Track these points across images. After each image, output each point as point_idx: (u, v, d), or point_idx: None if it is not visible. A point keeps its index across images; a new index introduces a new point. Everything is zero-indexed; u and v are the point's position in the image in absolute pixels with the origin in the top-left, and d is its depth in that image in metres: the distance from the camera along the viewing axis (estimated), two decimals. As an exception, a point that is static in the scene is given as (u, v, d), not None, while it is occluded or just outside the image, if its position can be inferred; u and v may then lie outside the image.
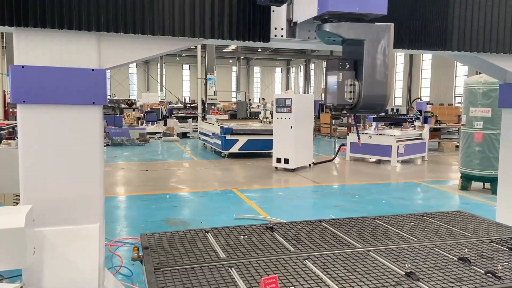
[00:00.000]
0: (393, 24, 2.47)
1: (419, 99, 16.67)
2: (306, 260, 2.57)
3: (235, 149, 11.72)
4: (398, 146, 10.86)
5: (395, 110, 29.76)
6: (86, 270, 2.24)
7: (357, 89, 2.49)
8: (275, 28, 2.65)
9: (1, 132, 12.76)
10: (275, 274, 2.32)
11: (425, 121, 12.04)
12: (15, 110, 15.98)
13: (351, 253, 2.70)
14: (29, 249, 1.97)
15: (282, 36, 2.68)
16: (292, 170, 9.69)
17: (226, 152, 11.72)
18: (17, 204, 4.31)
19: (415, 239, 2.99)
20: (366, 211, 6.30)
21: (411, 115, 12.82)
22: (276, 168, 9.88)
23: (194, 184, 8.31)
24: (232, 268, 2.42)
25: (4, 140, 4.68)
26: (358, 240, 2.98)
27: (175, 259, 2.56)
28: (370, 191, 7.85)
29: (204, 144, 14.15)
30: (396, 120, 14.32)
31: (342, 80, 2.49)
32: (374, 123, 13.01)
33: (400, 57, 32.64)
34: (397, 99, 33.27)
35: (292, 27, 2.70)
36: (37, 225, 2.16)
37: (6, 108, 18.26)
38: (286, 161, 9.65)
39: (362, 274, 2.36)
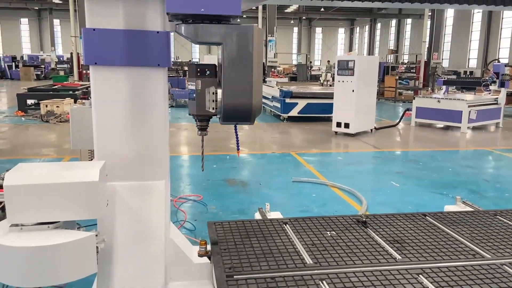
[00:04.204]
0: (256, 24, 2.12)
1: (496, 61, 15.30)
2: (420, 276, 2.06)
3: (294, 112, 11.63)
4: (469, 111, 10.16)
5: (468, 73, 27.66)
6: (153, 223, 2.39)
7: (219, 97, 2.20)
8: None
9: (76, 92, 13.67)
10: None
11: (502, 84, 11.10)
12: (88, 71, 16.95)
13: (479, 267, 2.14)
14: (102, 201, 2.14)
15: None
16: (352, 135, 9.47)
17: (285, 116, 11.68)
18: (91, 159, 4.67)
19: None
20: (430, 179, 6.05)
21: (487, 78, 11.84)
22: (336, 132, 9.71)
23: (252, 146, 8.44)
24: (324, 282, 1.98)
25: (79, 100, 5.01)
26: (483, 246, 2.41)
27: (250, 263, 2.18)
28: (435, 158, 7.50)
29: (263, 107, 14.19)
30: (469, 84, 13.34)
31: (202, 89, 2.21)
32: (444, 87, 12.21)
33: (477, 14, 29.85)
34: (472, 60, 30.78)
35: None
36: (109, 180, 2.33)
37: (80, 70, 19.43)
38: (347, 125, 9.44)
39: None
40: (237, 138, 2.58)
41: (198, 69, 2.22)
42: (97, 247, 2.05)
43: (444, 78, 16.34)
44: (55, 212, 1.98)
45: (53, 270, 1.92)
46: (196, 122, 2.35)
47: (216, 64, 2.28)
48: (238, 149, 2.64)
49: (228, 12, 2.07)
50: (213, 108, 2.24)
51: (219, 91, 2.20)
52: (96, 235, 2.06)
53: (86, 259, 2.00)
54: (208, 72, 2.23)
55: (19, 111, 11.93)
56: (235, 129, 2.54)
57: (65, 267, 1.94)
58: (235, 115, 2.22)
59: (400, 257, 2.27)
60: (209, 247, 2.42)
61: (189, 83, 2.27)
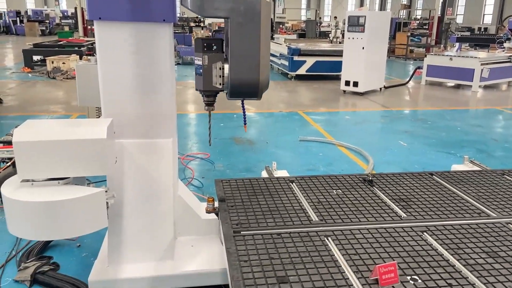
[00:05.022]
0: None
1: (513, 17, 14.72)
2: (425, 233, 2.06)
3: (302, 70, 11.45)
4: (482, 69, 9.92)
5: (482, 30, 26.76)
6: (162, 180, 2.42)
7: (226, 73, 2.17)
8: None
9: (82, 48, 13.51)
10: (386, 251, 1.89)
11: (517, 42, 10.77)
12: (93, 27, 16.62)
13: (484, 226, 2.13)
14: (110, 158, 2.16)
15: None
16: (361, 94, 9.35)
17: (293, 74, 11.51)
18: (99, 117, 4.67)
19: None
20: (438, 138, 6.02)
21: (501, 35, 11.47)
22: (344, 91, 9.59)
23: (259, 105, 8.38)
24: (329, 238, 2.00)
25: (84, 56, 4.94)
26: (489, 205, 2.39)
27: (257, 219, 2.19)
28: (444, 117, 7.42)
29: (270, 64, 13.97)
30: (483, 41, 12.95)
31: (209, 64, 2.18)
32: (457, 44, 11.88)
33: (497, -33, 28.46)
34: (486, 16, 29.69)
35: None
36: (117, 137, 2.34)
37: (85, 25, 19.05)
38: (355, 84, 9.30)
39: (508, 261, 1.80)
40: (244, 113, 2.57)
41: (205, 44, 2.20)
42: (107, 203, 2.10)
43: (458, 34, 15.85)
44: (64, 168, 2.01)
45: (64, 224, 1.97)
46: (203, 98, 2.33)
47: (223, 39, 2.24)
48: (245, 124, 2.64)
49: None
50: (220, 84, 2.22)
51: (226, 67, 2.18)
52: (106, 191, 2.09)
53: (97, 214, 2.05)
54: (215, 47, 2.20)
55: (26, 67, 11.87)
56: (242, 104, 2.52)
57: (76, 221, 1.99)
58: (242, 91, 2.21)
59: (405, 215, 2.29)
60: (216, 204, 2.46)
61: (196, 58, 2.25)
